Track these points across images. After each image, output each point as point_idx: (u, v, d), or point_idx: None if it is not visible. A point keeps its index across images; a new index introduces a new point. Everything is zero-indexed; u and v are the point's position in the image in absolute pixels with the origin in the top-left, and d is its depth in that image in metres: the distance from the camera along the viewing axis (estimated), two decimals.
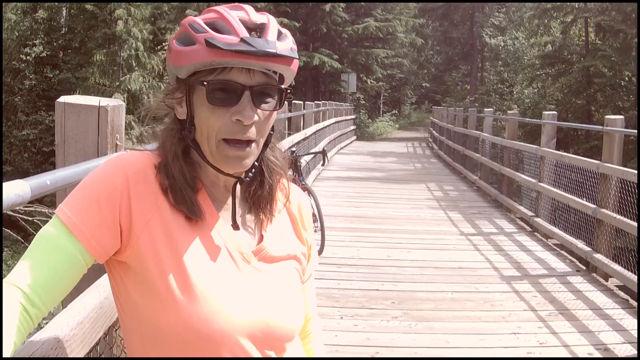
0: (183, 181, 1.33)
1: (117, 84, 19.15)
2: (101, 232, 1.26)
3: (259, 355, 1.32)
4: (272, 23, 1.29)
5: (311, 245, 1.55)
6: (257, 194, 1.43)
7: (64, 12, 25.01)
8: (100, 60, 19.37)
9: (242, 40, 1.23)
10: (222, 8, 1.30)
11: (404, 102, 52.01)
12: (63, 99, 2.29)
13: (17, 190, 1.51)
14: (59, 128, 2.28)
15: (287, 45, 1.28)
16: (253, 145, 1.30)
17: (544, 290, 5.99)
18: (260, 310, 1.33)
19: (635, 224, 5.90)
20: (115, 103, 2.34)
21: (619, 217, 6.27)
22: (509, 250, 7.64)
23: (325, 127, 18.05)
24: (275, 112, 1.34)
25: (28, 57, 23.56)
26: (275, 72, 1.31)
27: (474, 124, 15.89)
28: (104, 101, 2.29)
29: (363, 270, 6.44)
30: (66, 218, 1.25)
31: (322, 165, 12.90)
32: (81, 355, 1.66)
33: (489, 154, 12.84)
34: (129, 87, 18.71)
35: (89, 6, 21.78)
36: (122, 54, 19.42)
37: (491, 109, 15.14)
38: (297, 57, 1.32)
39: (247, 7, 1.31)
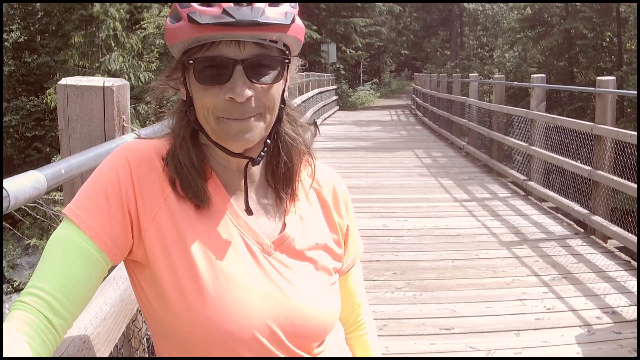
0: (190, 165, 1.24)
1: (97, 65, 18.83)
2: (112, 228, 1.18)
3: (283, 356, 1.22)
4: None
5: (347, 229, 1.44)
6: (275, 176, 1.32)
7: None
8: (78, 42, 19.01)
9: (224, 11, 1.12)
10: None
11: (384, 70, 51.83)
12: (64, 81, 2.17)
13: (32, 182, 1.41)
14: (62, 112, 2.16)
15: (279, 10, 1.16)
16: (255, 118, 1.19)
17: (544, 254, 5.95)
18: (282, 308, 1.23)
19: (633, 184, 5.86)
20: (119, 82, 2.21)
21: (616, 178, 6.23)
22: (504, 215, 7.60)
23: (309, 98, 17.93)
24: (278, 84, 1.23)
25: (5, 43, 23.28)
26: (275, 42, 1.19)
27: (458, 90, 15.80)
28: (108, 81, 2.16)
29: (362, 240, 6.35)
30: (76, 217, 1.17)
31: (314, 137, 12.73)
32: (106, 354, 1.58)
33: (476, 118, 12.76)
34: (109, 67, 18.40)
35: None
36: (100, 35, 19.08)
37: (476, 74, 15.06)
38: (296, 21, 1.20)
39: None
